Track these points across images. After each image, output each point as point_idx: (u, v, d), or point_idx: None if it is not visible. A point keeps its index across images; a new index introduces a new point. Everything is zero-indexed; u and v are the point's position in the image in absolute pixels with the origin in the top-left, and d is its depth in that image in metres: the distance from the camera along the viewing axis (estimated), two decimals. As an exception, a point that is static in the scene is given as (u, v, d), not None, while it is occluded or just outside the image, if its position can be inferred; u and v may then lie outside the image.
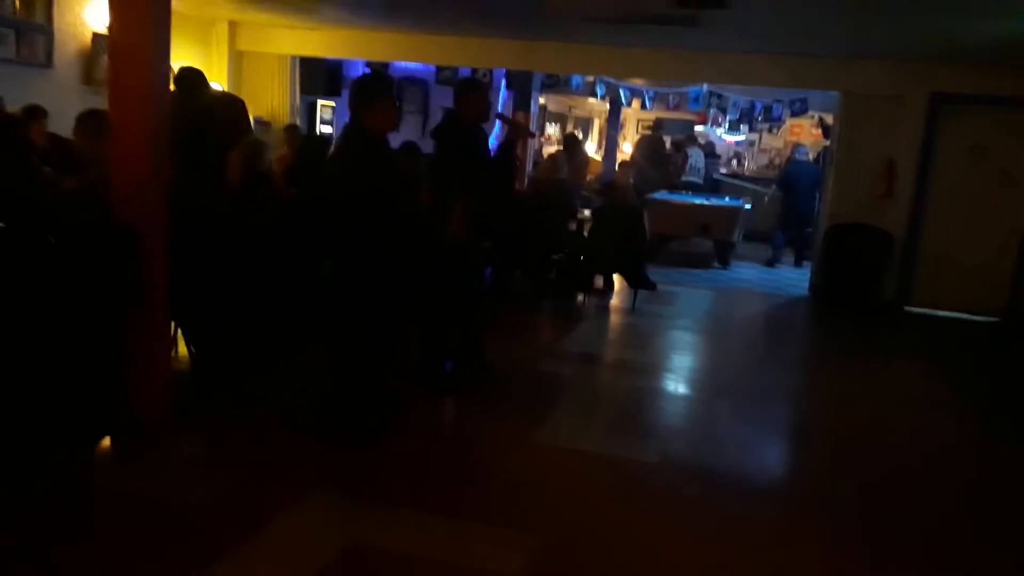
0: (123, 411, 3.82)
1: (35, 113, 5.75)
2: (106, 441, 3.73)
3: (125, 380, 3.83)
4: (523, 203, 7.19)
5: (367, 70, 10.74)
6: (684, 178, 11.76)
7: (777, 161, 13.75)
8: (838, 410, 5.15)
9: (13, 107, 5.73)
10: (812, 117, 12.38)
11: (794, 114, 10.60)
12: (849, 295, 8.19)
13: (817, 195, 9.92)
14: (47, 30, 6.98)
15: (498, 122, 6.10)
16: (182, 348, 4.73)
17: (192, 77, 5.32)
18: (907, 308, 8.26)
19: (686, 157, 11.94)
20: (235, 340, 4.53)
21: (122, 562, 2.76)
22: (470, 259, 4.69)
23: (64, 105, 6.58)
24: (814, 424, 4.96)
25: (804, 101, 10.07)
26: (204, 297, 4.28)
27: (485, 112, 4.76)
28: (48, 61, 7.03)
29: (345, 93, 11.02)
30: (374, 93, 3.92)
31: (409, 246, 4.02)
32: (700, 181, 11.85)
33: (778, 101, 10.58)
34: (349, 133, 4.00)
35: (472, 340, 4.91)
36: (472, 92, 4.73)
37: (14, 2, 6.69)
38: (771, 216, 11.09)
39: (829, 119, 10.51)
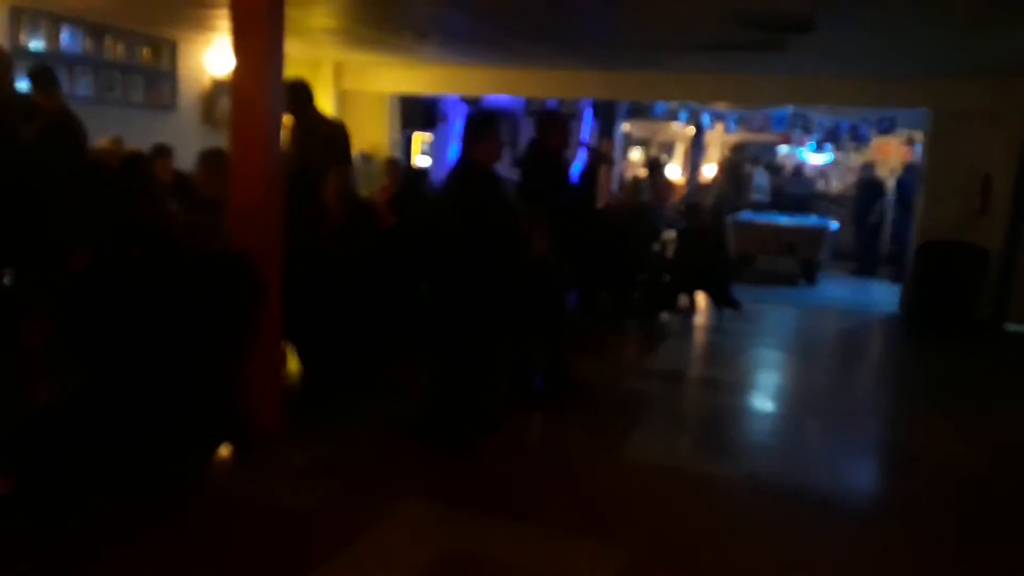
0: (241, 422, 4.12)
1: (162, 152, 6.23)
2: (225, 450, 4.03)
3: (243, 394, 4.13)
4: (606, 226, 7.38)
5: (462, 104, 11.19)
6: (754, 197, 11.82)
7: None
8: (928, 431, 5.05)
9: (133, 146, 6.17)
10: (901, 135, 12.15)
11: (881, 132, 10.45)
12: (943, 313, 8.02)
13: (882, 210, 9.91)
14: (171, 76, 7.61)
15: (582, 150, 6.34)
16: (293, 364, 5.06)
17: (302, 92, 5.63)
18: (1005, 326, 8.02)
19: (749, 177, 11.98)
20: (341, 357, 4.84)
21: (235, 562, 2.97)
22: (553, 281, 4.91)
23: (186, 144, 7.16)
24: (903, 444, 4.87)
25: (892, 120, 9.93)
26: (314, 317, 4.61)
27: (565, 141, 5.04)
28: (172, 104, 7.65)
29: (440, 126, 11.52)
30: (483, 128, 4.26)
31: (510, 270, 4.28)
32: (766, 199, 11.87)
33: (865, 120, 10.46)
34: (460, 165, 4.33)
35: (559, 358, 5.09)
36: (553, 123, 5.03)
37: (143, 51, 7.35)
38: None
39: (919, 136, 10.34)
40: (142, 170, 5.54)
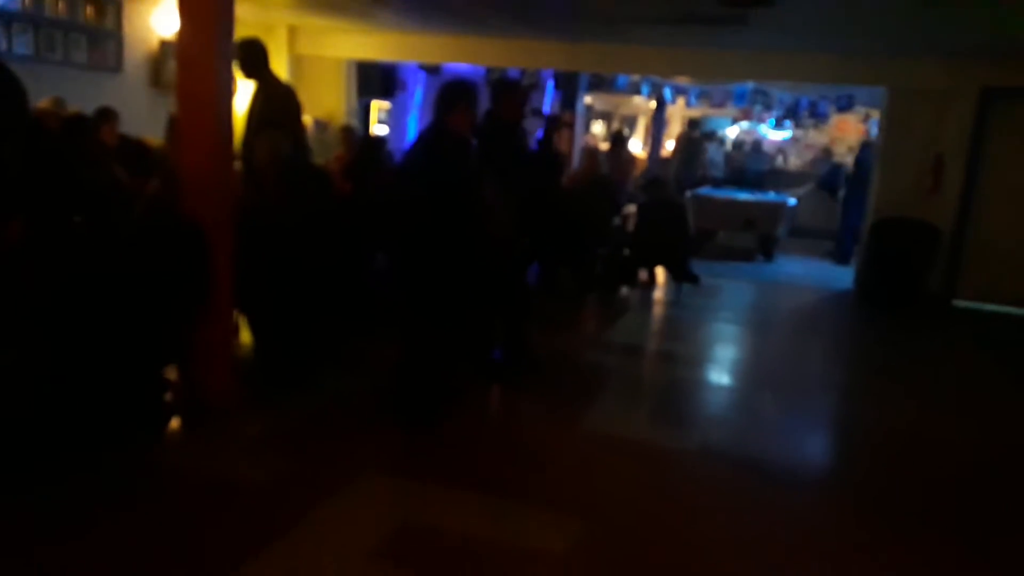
0: (192, 395, 4.05)
1: (106, 115, 6.01)
2: (176, 423, 3.94)
3: (194, 366, 4.06)
4: (566, 199, 7.33)
5: (421, 73, 10.99)
6: (704, 172, 11.92)
7: (823, 156, 13.67)
8: (879, 404, 5.15)
9: (75, 107, 5.97)
10: (859, 113, 12.30)
11: (840, 110, 10.57)
12: (894, 289, 8.17)
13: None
14: (117, 36, 7.31)
15: (539, 119, 6.24)
16: (245, 337, 4.97)
17: (256, 51, 5.42)
18: (954, 302, 8.20)
19: (704, 152, 12.09)
20: (295, 329, 4.74)
21: (187, 537, 2.92)
22: (512, 254, 4.85)
23: (133, 107, 6.94)
24: (855, 417, 4.99)
25: (850, 97, 10.04)
26: (263, 286, 4.50)
27: (521, 111, 4.95)
28: (118, 65, 7.35)
29: (399, 95, 11.32)
30: (458, 96, 4.16)
31: (472, 242, 4.20)
32: (719, 175, 11.97)
33: (824, 97, 10.56)
34: (430, 133, 4.22)
35: (518, 332, 5.05)
36: (508, 92, 4.93)
37: (85, 9, 7.04)
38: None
39: (876, 114, 10.47)
40: (85, 133, 5.35)
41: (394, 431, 4.08)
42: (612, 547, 3.08)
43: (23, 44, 6.51)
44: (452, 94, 4.18)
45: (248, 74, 5.51)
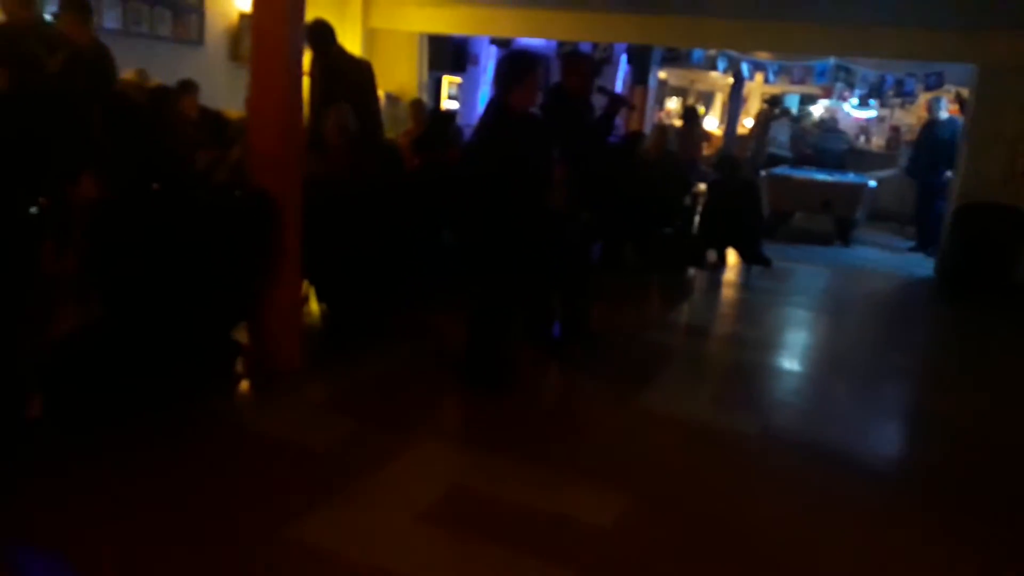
0: (260, 359, 4.19)
1: (188, 87, 6.15)
2: (244, 385, 4.11)
3: (263, 331, 4.20)
4: (632, 176, 7.23)
5: (493, 47, 10.96)
6: (770, 151, 11.49)
7: (909, 137, 13.09)
8: (958, 396, 4.93)
9: (157, 80, 6.14)
10: (949, 91, 11.70)
11: (928, 88, 10.06)
12: (979, 277, 7.80)
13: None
14: (199, 10, 7.51)
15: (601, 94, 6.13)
16: (313, 304, 5.09)
17: (322, 31, 5.56)
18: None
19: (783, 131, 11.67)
20: (362, 297, 4.84)
21: (251, 496, 3.03)
22: (570, 230, 4.80)
23: (213, 80, 7.14)
24: (931, 409, 4.78)
25: (940, 75, 9.55)
26: (331, 255, 4.60)
27: (587, 84, 4.84)
28: (200, 39, 7.55)
29: (470, 69, 11.31)
30: (522, 70, 4.06)
31: (532, 218, 4.18)
32: (788, 155, 11.53)
33: (911, 75, 10.08)
34: (494, 108, 4.16)
35: (577, 308, 5.02)
36: (572, 64, 4.85)
37: (171, -17, 7.26)
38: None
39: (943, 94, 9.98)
40: (169, 105, 5.53)
41: (453, 399, 4.16)
42: (659, 525, 3.07)
43: (112, 18, 6.77)
44: (514, 68, 4.09)
45: (316, 51, 5.60)
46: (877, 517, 3.28)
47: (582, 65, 4.90)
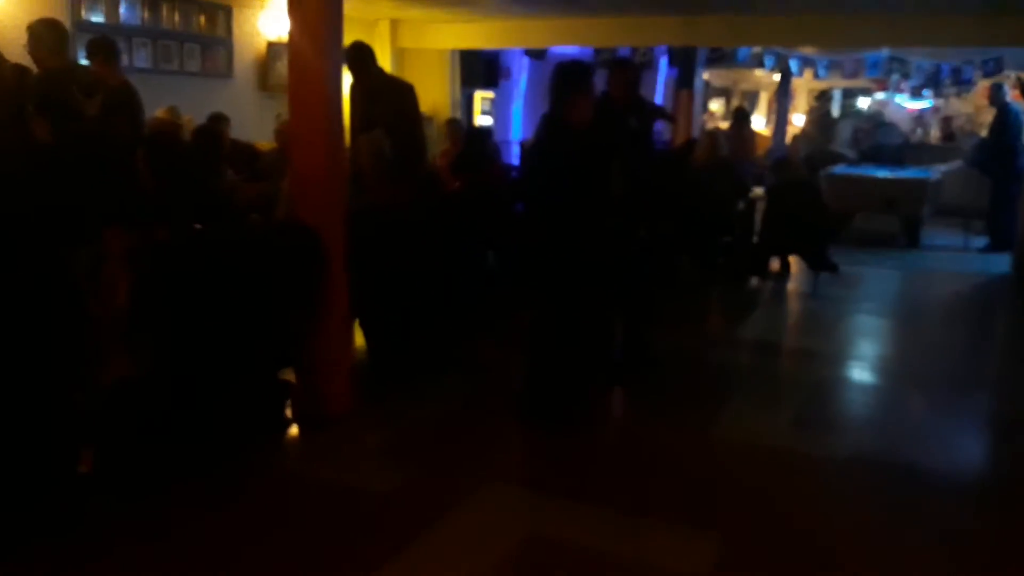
0: (311, 402, 4.00)
1: (218, 121, 6.12)
2: (295, 430, 3.92)
3: (313, 372, 4.01)
4: (684, 185, 6.89)
5: (525, 58, 10.74)
6: (833, 149, 11.06)
7: (968, 128, 12.54)
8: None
9: (188, 116, 6.11)
10: (1009, 77, 11.14)
11: (987, 75, 9.56)
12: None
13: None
14: (227, 42, 7.48)
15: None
16: (360, 342, 4.87)
17: (360, 53, 5.41)
18: None
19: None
20: (408, 331, 4.62)
21: (311, 547, 2.88)
22: (631, 248, 4.54)
23: (243, 111, 7.07)
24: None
25: (998, 60, 9.05)
26: (374, 289, 4.39)
27: (631, 89, 4.60)
28: (228, 72, 7.53)
29: (503, 83, 11.11)
30: (578, 83, 3.83)
31: (598, 237, 3.94)
32: (850, 153, 11.04)
33: (968, 62, 9.59)
34: (550, 122, 3.93)
35: (639, 331, 4.76)
36: (615, 70, 4.61)
37: (199, 18, 7.20)
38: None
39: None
40: (214, 144, 5.39)
41: (515, 437, 3.96)
42: (759, 569, 2.81)
43: (143, 57, 6.77)
44: (568, 79, 3.84)
45: (356, 75, 5.44)
46: (980, 540, 3.03)
47: (628, 73, 4.65)
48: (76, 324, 3.08)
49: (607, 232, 3.99)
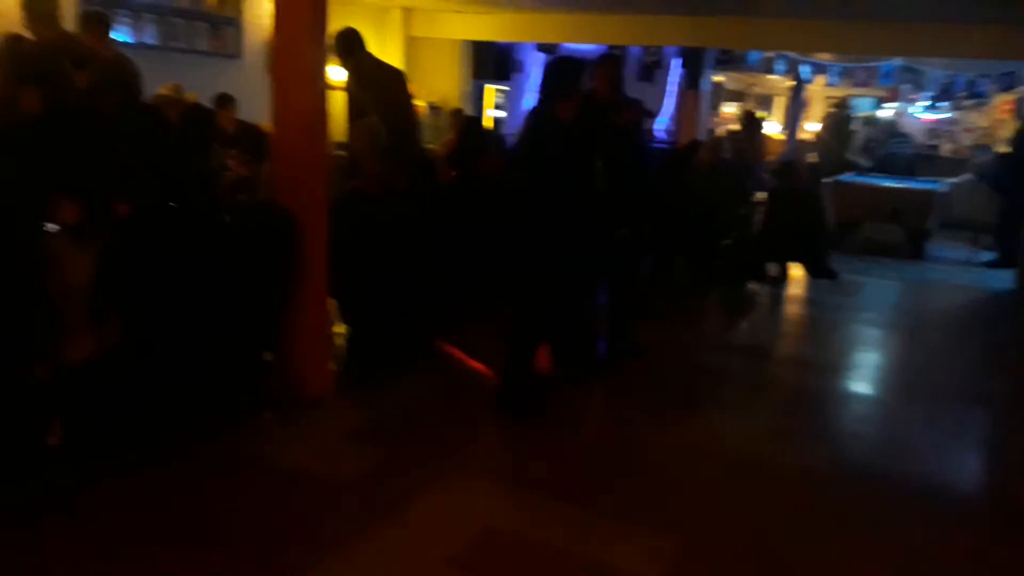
0: (287, 385, 3.96)
1: (225, 101, 6.09)
2: (269, 414, 3.87)
3: (289, 356, 3.98)
4: (680, 186, 6.83)
5: (540, 53, 10.67)
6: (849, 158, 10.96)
7: (985, 141, 12.36)
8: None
9: (193, 94, 6.06)
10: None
11: (1003, 89, 9.43)
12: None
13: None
14: (236, 22, 7.42)
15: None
16: (340, 326, 4.85)
17: (345, 40, 5.36)
18: None
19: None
20: (391, 320, 4.59)
21: (272, 534, 2.87)
22: (613, 244, 4.49)
23: (252, 92, 6.99)
24: (1016, 434, 4.36)
25: (1012, 75, 8.93)
26: (360, 276, 4.36)
27: (611, 86, 4.50)
28: (237, 51, 7.46)
29: (515, 77, 11.04)
30: (572, 81, 3.81)
31: (575, 233, 3.91)
32: (864, 162, 10.92)
33: (984, 75, 9.46)
34: (539, 117, 3.91)
35: (624, 325, 4.72)
36: (599, 65, 4.55)
37: (208, -3, 7.17)
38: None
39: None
40: (202, 124, 5.37)
41: (490, 429, 3.94)
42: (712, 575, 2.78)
43: (151, 34, 6.72)
44: (568, 77, 3.81)
45: (344, 62, 5.41)
46: (958, 557, 2.97)
47: (611, 68, 4.57)
48: (31, 297, 3.05)
49: (589, 225, 3.95)
